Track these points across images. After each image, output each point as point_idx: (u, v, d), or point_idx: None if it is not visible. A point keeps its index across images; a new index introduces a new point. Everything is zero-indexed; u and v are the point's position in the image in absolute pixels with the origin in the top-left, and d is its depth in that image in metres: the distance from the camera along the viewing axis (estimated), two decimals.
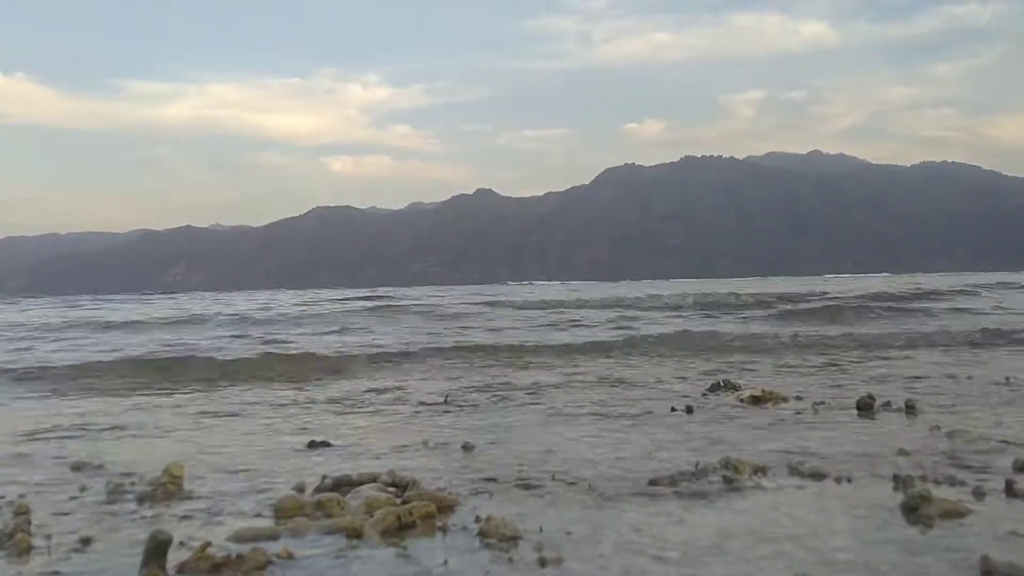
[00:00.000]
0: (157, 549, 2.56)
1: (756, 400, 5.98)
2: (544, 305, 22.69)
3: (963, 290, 26.59)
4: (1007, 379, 6.88)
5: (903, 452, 4.03)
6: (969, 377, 7.17)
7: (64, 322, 18.77)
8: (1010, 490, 3.25)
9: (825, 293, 25.83)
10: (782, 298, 22.88)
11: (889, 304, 19.67)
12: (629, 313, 19.19)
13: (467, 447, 4.40)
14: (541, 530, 2.86)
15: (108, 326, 17.40)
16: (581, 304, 23.12)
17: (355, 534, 2.86)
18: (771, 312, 18.35)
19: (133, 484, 3.67)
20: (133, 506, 3.36)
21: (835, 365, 8.53)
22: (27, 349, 12.30)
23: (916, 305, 20.14)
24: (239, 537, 2.84)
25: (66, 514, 3.25)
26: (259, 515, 3.18)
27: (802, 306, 19.45)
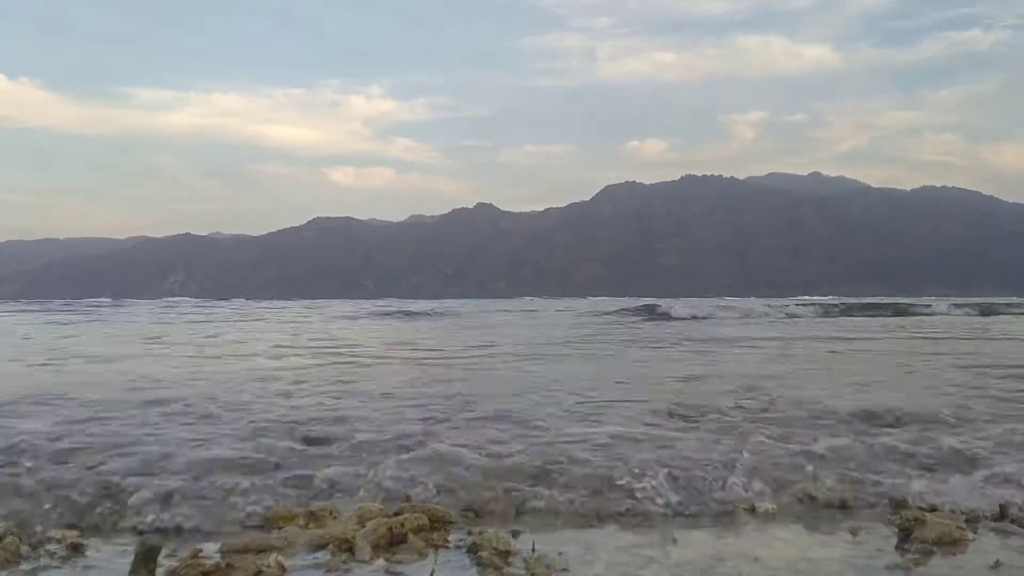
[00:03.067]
0: (146, 556, 2.55)
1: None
2: None
3: None
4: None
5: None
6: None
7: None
8: (1003, 515, 3.25)
9: None
10: None
11: None
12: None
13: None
14: (534, 548, 2.84)
15: None
16: None
17: (346, 546, 2.84)
18: None
19: (125, 490, 3.64)
20: (125, 512, 3.34)
21: None
22: None
23: None
24: (230, 546, 2.83)
25: (57, 519, 3.23)
26: (250, 524, 3.16)
27: None
